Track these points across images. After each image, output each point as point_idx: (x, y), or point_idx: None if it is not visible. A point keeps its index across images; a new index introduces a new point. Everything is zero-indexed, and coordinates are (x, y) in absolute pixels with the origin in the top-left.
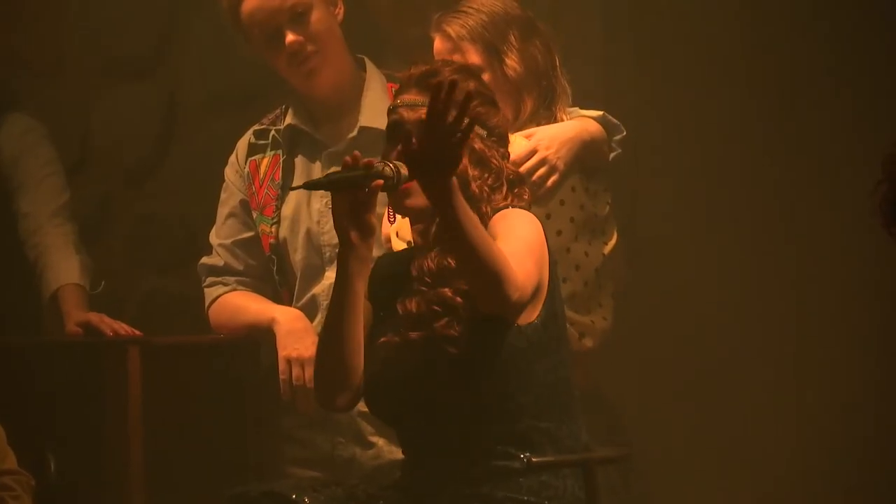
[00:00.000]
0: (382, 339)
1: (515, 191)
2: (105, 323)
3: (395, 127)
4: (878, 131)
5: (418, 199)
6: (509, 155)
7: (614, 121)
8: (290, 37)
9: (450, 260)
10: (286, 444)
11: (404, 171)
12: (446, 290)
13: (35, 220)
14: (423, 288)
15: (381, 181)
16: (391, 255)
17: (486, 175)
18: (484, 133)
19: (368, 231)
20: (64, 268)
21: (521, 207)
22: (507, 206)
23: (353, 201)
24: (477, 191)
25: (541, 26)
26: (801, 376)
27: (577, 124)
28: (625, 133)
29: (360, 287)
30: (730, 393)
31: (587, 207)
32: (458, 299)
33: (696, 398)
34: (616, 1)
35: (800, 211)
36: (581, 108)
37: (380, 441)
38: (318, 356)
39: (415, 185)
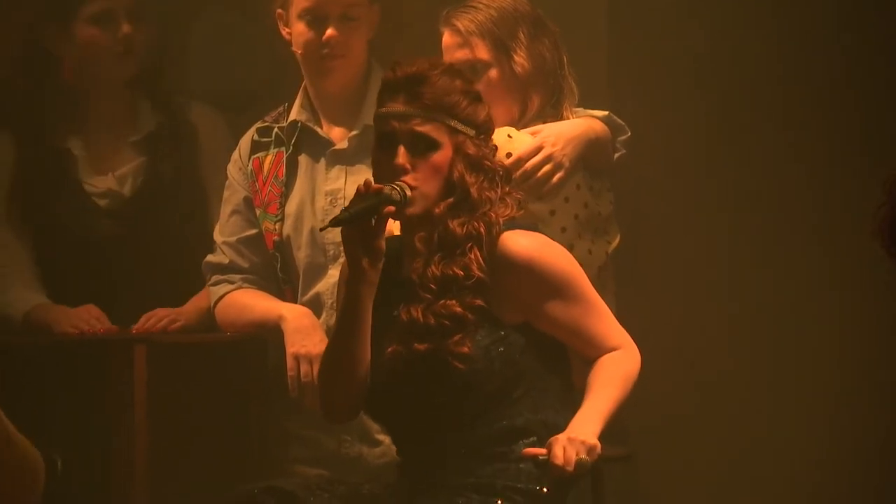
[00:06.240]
0: (388, 350)
1: (508, 190)
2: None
3: (388, 138)
4: (883, 134)
5: (417, 208)
6: (496, 149)
7: (619, 121)
8: (330, 31)
9: (455, 270)
10: (292, 442)
11: (408, 191)
12: (454, 303)
13: None
14: (428, 295)
15: (392, 207)
16: None
17: (482, 178)
18: (472, 132)
19: (378, 256)
20: None
21: (520, 211)
22: (511, 218)
23: (363, 229)
24: (477, 196)
25: (550, 24)
26: (804, 378)
27: (582, 123)
28: (629, 134)
29: (369, 308)
30: (731, 393)
31: (591, 206)
32: (470, 315)
33: (696, 398)
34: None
35: (806, 213)
36: (585, 108)
37: (387, 439)
38: (324, 373)
39: (413, 193)
